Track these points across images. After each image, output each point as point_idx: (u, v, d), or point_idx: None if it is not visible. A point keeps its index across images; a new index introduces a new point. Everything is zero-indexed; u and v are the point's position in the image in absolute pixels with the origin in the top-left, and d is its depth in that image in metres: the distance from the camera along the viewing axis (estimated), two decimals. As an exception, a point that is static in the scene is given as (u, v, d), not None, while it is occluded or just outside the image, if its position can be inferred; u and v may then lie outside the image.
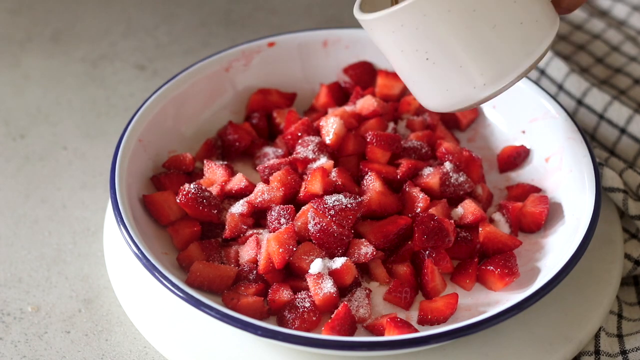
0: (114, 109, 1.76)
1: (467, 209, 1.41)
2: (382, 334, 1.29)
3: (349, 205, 1.35)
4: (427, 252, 1.36)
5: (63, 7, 1.98)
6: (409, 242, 1.37)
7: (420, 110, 1.56)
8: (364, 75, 1.62)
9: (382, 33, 1.27)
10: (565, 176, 1.44)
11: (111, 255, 1.43)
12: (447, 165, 1.44)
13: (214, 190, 1.43)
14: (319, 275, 1.31)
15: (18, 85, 1.80)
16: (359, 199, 1.36)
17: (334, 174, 1.41)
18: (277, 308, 1.32)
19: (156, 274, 1.27)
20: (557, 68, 1.69)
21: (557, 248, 1.37)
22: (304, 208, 1.37)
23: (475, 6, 1.21)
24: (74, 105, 1.76)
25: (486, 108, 1.59)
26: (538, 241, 1.41)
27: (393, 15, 1.23)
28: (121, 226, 1.32)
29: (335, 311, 1.29)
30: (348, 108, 1.53)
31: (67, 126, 1.72)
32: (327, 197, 1.36)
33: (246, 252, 1.36)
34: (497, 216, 1.45)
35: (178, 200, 1.39)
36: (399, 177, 1.44)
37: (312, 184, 1.38)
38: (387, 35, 1.26)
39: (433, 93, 1.29)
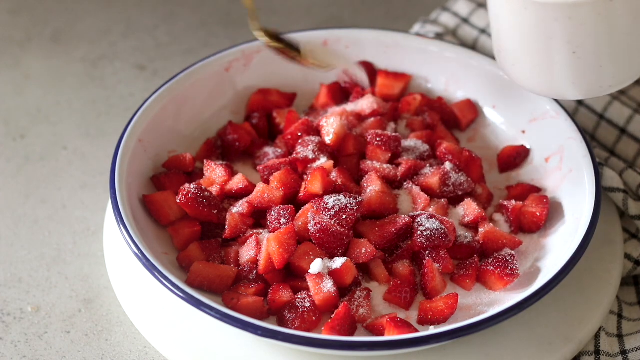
0: (114, 109, 1.76)
1: (467, 209, 1.41)
2: (382, 334, 1.29)
3: (349, 205, 1.35)
4: (427, 252, 1.36)
5: (63, 7, 1.99)
6: (409, 242, 1.37)
7: (420, 110, 1.56)
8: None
9: (537, 17, 1.26)
10: (565, 176, 1.44)
11: (111, 255, 1.43)
12: (447, 165, 1.44)
13: (214, 190, 1.43)
14: (319, 275, 1.31)
15: (18, 85, 1.80)
16: (359, 199, 1.37)
17: (334, 174, 1.41)
18: (277, 308, 1.32)
19: (156, 274, 1.28)
20: (558, 68, 1.69)
21: (557, 248, 1.37)
22: (304, 208, 1.37)
23: (638, 13, 1.24)
24: (74, 105, 1.76)
25: (486, 108, 1.59)
26: (538, 241, 1.41)
27: (568, 7, 1.22)
28: (121, 226, 1.32)
29: (335, 311, 1.29)
30: (348, 108, 1.53)
31: (67, 126, 1.72)
32: (327, 197, 1.36)
33: (246, 252, 1.36)
34: (497, 216, 1.45)
35: (178, 200, 1.39)
36: (399, 177, 1.44)
37: (312, 184, 1.38)
38: (543, 20, 1.25)
39: (551, 79, 1.31)
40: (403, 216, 1.38)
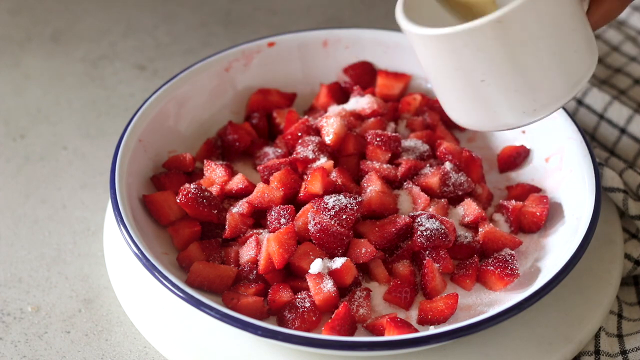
0: (114, 109, 1.76)
1: (467, 209, 1.41)
2: (382, 334, 1.29)
3: (349, 205, 1.35)
4: (427, 252, 1.36)
5: (63, 7, 1.99)
6: (409, 242, 1.37)
7: (420, 110, 1.56)
8: (364, 75, 1.62)
9: (438, 50, 1.21)
10: (565, 176, 1.44)
11: (111, 255, 1.43)
12: (447, 165, 1.44)
13: (214, 190, 1.43)
14: (319, 275, 1.31)
15: (18, 85, 1.80)
16: (359, 199, 1.37)
17: (334, 174, 1.41)
18: (277, 308, 1.32)
19: (156, 274, 1.27)
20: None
21: (557, 248, 1.37)
22: (304, 208, 1.37)
23: (541, 34, 1.19)
24: (74, 105, 1.76)
25: (486, 108, 1.59)
26: (538, 241, 1.41)
27: (459, 35, 1.18)
28: (121, 226, 1.32)
29: (335, 311, 1.29)
30: (348, 107, 1.53)
31: (67, 126, 1.72)
32: (327, 197, 1.36)
33: (246, 252, 1.36)
34: (497, 216, 1.45)
35: (178, 200, 1.39)
36: (399, 177, 1.44)
37: (312, 184, 1.38)
38: (443, 52, 1.21)
39: (477, 112, 1.26)
40: (403, 216, 1.38)
